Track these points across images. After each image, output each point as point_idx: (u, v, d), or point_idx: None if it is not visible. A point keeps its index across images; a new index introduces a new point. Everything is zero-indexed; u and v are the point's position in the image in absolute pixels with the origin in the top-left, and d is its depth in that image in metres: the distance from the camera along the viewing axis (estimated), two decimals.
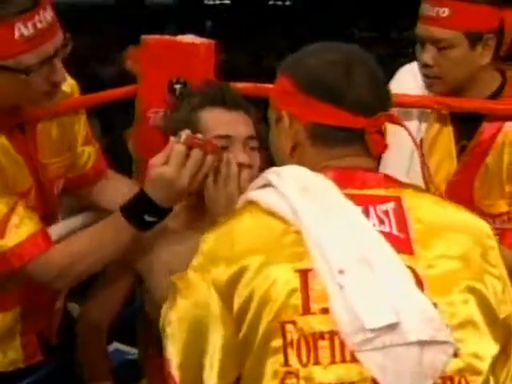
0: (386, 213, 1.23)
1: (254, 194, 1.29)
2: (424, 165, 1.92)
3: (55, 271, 1.72)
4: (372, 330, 1.13)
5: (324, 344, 1.15)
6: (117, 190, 2.02)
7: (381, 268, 1.17)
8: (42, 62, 1.61)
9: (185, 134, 1.65)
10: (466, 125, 2.06)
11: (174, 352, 1.26)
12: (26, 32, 1.58)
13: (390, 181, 1.29)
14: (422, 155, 1.76)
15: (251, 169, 1.70)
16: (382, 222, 1.22)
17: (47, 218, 1.82)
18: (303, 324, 1.16)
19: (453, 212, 1.31)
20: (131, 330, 2.11)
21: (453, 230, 1.26)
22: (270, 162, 1.67)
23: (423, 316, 1.15)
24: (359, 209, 1.22)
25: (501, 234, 1.86)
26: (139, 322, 2.03)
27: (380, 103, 1.29)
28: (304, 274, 1.18)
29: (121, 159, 2.20)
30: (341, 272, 1.15)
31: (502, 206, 2.00)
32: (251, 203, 1.27)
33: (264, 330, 1.17)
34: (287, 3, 11.76)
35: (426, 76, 2.05)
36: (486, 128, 2.03)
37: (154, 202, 1.66)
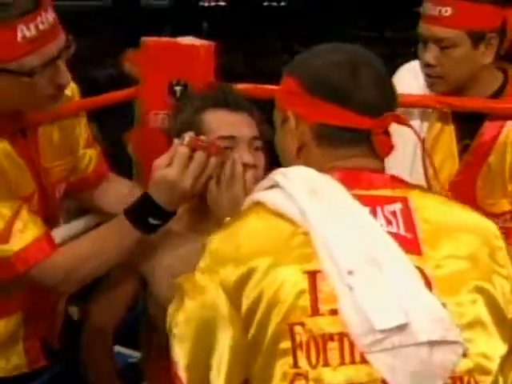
0: (394, 213, 1.23)
1: (260, 195, 1.29)
2: (429, 164, 1.91)
3: (60, 275, 1.71)
4: (382, 331, 1.13)
5: (333, 345, 1.15)
6: (118, 192, 2.01)
7: (389, 268, 1.16)
8: (46, 64, 1.60)
9: (188, 136, 1.65)
10: (468, 124, 2.06)
11: (181, 353, 1.25)
12: (28, 34, 1.56)
13: (396, 181, 1.29)
14: (428, 155, 1.75)
15: (256, 169, 1.70)
16: (389, 222, 1.22)
17: (49, 222, 1.81)
18: (312, 325, 1.16)
19: (460, 212, 1.31)
20: (133, 333, 2.10)
21: (460, 230, 1.26)
22: (272, 162, 1.67)
23: (433, 316, 1.15)
24: (367, 209, 1.22)
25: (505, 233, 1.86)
26: (142, 325, 2.02)
27: (386, 104, 1.29)
28: (312, 275, 1.17)
29: (120, 162, 2.20)
30: (350, 273, 1.15)
31: (504, 205, 2.00)
32: (258, 204, 1.27)
33: (273, 332, 1.16)
34: (282, 4, 11.78)
35: (428, 75, 2.05)
36: (488, 127, 2.03)
37: (157, 204, 1.66)
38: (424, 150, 1.35)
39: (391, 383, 1.14)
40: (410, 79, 2.09)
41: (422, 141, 1.39)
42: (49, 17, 1.61)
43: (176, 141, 1.66)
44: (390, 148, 1.29)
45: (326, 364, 1.15)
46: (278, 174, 1.27)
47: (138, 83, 2.19)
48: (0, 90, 1.61)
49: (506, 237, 1.89)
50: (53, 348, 1.96)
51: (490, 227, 1.30)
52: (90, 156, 1.98)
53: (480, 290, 1.21)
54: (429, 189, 1.80)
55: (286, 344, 1.16)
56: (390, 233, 1.21)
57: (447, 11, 1.98)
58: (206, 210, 1.72)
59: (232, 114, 1.74)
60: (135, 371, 2.11)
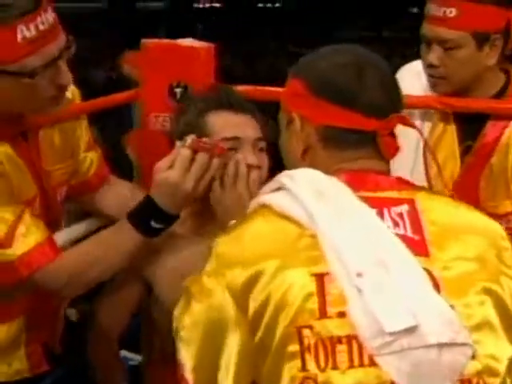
0: (401, 215, 1.23)
1: (266, 197, 1.28)
2: (434, 162, 1.90)
3: (64, 279, 1.71)
4: (391, 334, 1.12)
5: (342, 348, 1.15)
6: (119, 195, 2.01)
7: (397, 270, 1.16)
8: (47, 65, 1.59)
9: (190, 138, 1.64)
10: (470, 125, 2.05)
11: (188, 355, 1.25)
12: (28, 34, 1.55)
13: (402, 183, 1.29)
14: (432, 153, 1.75)
15: (260, 170, 1.69)
16: (396, 224, 1.22)
17: (51, 226, 1.80)
18: (320, 328, 1.15)
19: (466, 213, 1.30)
20: (133, 337, 2.10)
21: (467, 232, 1.25)
22: (274, 164, 1.67)
23: (442, 318, 1.15)
24: (374, 211, 1.22)
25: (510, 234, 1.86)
26: (143, 328, 2.02)
27: (392, 105, 1.28)
28: (320, 277, 1.17)
29: (121, 164, 2.19)
30: (359, 275, 1.14)
31: (507, 206, 2.00)
32: (264, 207, 1.26)
33: (281, 335, 1.16)
34: (277, 5, 11.77)
35: (431, 76, 2.04)
36: (491, 128, 2.03)
37: (159, 207, 1.65)
38: (428, 149, 1.34)
39: None
40: (411, 79, 2.08)
41: (425, 142, 1.38)
42: (49, 17, 1.59)
43: (178, 143, 1.66)
44: (396, 150, 1.29)
45: (335, 367, 1.15)
46: (285, 177, 1.27)
47: (135, 85, 2.19)
48: (1, 92, 1.60)
49: (511, 238, 1.90)
50: (54, 352, 1.96)
51: (497, 228, 1.30)
52: (91, 159, 1.98)
53: (488, 292, 1.21)
54: (430, 188, 1.80)
55: (294, 347, 1.15)
56: (398, 235, 1.20)
57: (452, 12, 1.97)
58: (210, 213, 1.72)
59: (235, 115, 1.73)
60: (136, 374, 2.11)
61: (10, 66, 1.57)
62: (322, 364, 1.15)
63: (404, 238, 1.20)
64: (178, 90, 2.13)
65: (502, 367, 1.19)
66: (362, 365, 1.14)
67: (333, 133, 1.28)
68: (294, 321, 1.15)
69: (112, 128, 2.73)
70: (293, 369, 1.15)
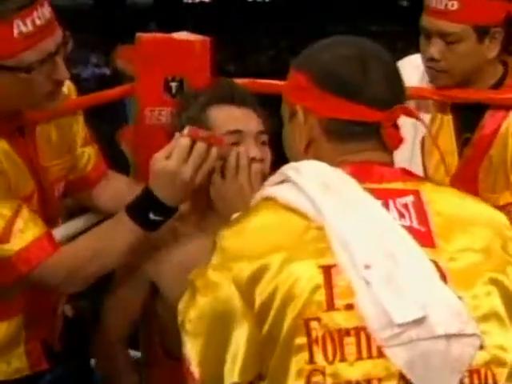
0: (406, 206, 1.22)
1: (271, 190, 1.27)
2: (436, 149, 1.90)
3: (62, 275, 1.69)
4: (400, 325, 1.12)
5: (350, 340, 1.14)
6: (117, 189, 1.99)
7: (405, 262, 1.16)
8: (43, 60, 1.58)
9: (188, 128, 1.62)
10: (468, 118, 2.06)
11: (193, 349, 1.24)
12: (24, 29, 1.54)
13: (407, 174, 1.28)
14: (433, 139, 1.75)
15: (263, 163, 1.68)
16: (402, 215, 1.21)
17: (49, 222, 1.78)
18: (328, 320, 1.15)
19: (471, 204, 1.30)
20: (132, 333, 2.09)
21: (473, 223, 1.25)
22: (277, 157, 1.66)
23: (450, 310, 1.15)
24: (379, 203, 1.21)
25: None
26: (142, 324, 2.01)
27: (395, 97, 1.28)
28: (327, 269, 1.16)
29: (118, 160, 2.18)
30: (366, 267, 1.14)
31: (507, 197, 2.00)
32: (268, 199, 1.26)
33: (288, 327, 1.15)
34: (267, 0, 11.72)
35: (431, 69, 2.04)
36: (489, 120, 2.03)
37: (157, 198, 1.63)
38: (432, 138, 1.33)
39: (409, 377, 1.13)
40: (411, 72, 2.08)
41: (429, 130, 1.38)
42: (45, 12, 1.58)
43: (177, 135, 1.64)
44: (400, 141, 1.28)
45: (343, 359, 1.14)
46: (290, 169, 1.26)
47: (127, 80, 2.17)
48: None
49: None
50: (54, 350, 1.94)
51: (501, 219, 1.30)
52: (88, 154, 1.96)
53: (495, 282, 1.21)
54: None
55: (301, 339, 1.15)
56: (404, 226, 1.20)
57: (454, 5, 1.97)
58: (212, 209, 1.71)
59: (237, 108, 1.72)
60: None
61: (6, 61, 1.56)
62: (330, 356, 1.14)
63: (410, 230, 1.20)
64: (173, 84, 2.12)
65: (509, 357, 1.19)
66: (370, 356, 1.14)
67: (336, 125, 1.27)
68: (301, 313, 1.15)
69: (107, 124, 2.72)
70: (300, 361, 1.15)
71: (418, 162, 2.07)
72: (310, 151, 1.30)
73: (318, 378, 1.14)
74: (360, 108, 1.25)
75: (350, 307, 1.15)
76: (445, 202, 1.26)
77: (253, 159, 1.66)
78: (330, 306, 1.15)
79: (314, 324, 1.15)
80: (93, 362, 2.05)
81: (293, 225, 1.20)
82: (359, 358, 1.14)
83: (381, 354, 1.14)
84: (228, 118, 1.70)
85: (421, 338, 1.13)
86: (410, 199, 1.23)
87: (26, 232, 1.65)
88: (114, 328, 1.88)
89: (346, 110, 1.25)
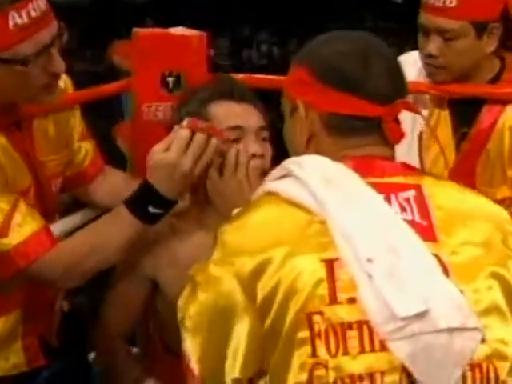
0: (408, 200, 1.23)
1: (273, 184, 1.27)
2: (435, 142, 1.91)
3: (60, 270, 1.68)
4: (403, 319, 1.12)
5: (352, 334, 1.14)
6: (114, 185, 1.99)
7: (407, 256, 1.16)
8: (39, 52, 1.57)
9: (187, 119, 1.62)
10: (466, 112, 2.06)
11: (193, 345, 1.24)
12: (20, 21, 1.53)
13: (408, 169, 1.29)
14: (432, 131, 1.76)
15: (263, 159, 1.68)
16: (404, 209, 1.21)
17: (45, 217, 1.77)
18: (331, 314, 1.15)
19: (471, 198, 1.31)
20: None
21: (473, 217, 1.26)
22: (277, 153, 1.66)
23: (452, 303, 1.15)
24: (381, 197, 1.21)
25: None
26: (140, 321, 2.00)
27: (397, 92, 1.28)
28: (330, 263, 1.16)
29: (113, 156, 2.18)
30: (369, 261, 1.14)
31: (505, 191, 2.01)
32: (270, 194, 1.25)
33: (291, 321, 1.15)
34: None
35: (430, 66, 2.05)
36: (486, 114, 2.04)
37: (157, 191, 1.61)
38: (432, 132, 1.34)
39: (412, 371, 1.14)
40: (407, 68, 2.08)
41: (428, 123, 1.38)
42: (41, 4, 1.57)
43: (176, 127, 1.63)
44: (401, 135, 1.28)
45: (346, 353, 1.14)
46: (292, 163, 1.26)
47: (123, 76, 2.17)
48: None
49: None
50: (51, 345, 1.94)
51: (501, 213, 1.31)
52: (85, 150, 1.96)
53: (496, 276, 1.21)
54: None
55: (304, 333, 1.15)
56: (406, 220, 1.20)
57: (452, 2, 1.97)
58: (211, 205, 1.70)
59: (238, 104, 1.71)
60: None
61: (2, 54, 1.55)
62: (333, 350, 1.14)
63: (412, 224, 1.20)
64: (170, 79, 2.12)
65: (511, 351, 1.19)
66: (373, 350, 1.14)
67: (337, 120, 1.27)
68: (304, 307, 1.15)
69: (103, 119, 2.71)
70: (303, 355, 1.15)
71: (414, 156, 2.07)
72: (311, 146, 1.30)
73: (320, 371, 1.14)
74: (361, 103, 1.25)
75: (352, 301, 1.15)
76: (445, 196, 1.26)
77: (253, 155, 1.66)
78: (333, 299, 1.15)
79: (316, 318, 1.15)
80: (90, 357, 2.05)
81: (295, 219, 1.20)
82: (362, 351, 1.14)
83: (383, 348, 1.14)
84: (228, 113, 1.70)
85: (423, 332, 1.13)
86: (411, 193, 1.24)
87: (24, 226, 1.65)
88: (114, 323, 1.87)
89: (347, 104, 1.25)
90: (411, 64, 2.11)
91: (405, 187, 1.24)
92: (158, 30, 2.16)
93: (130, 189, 1.71)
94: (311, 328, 1.15)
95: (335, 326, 1.15)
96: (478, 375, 1.17)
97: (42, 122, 1.82)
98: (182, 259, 1.71)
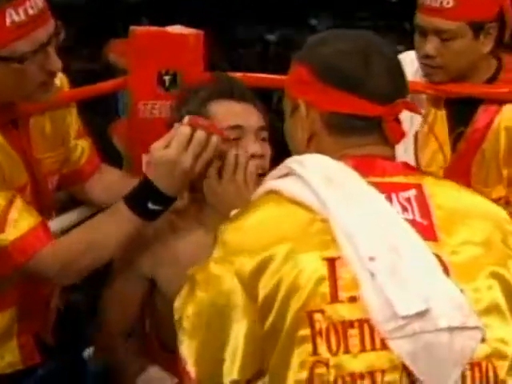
0: (409, 200, 1.23)
1: (275, 183, 1.27)
2: (435, 139, 1.92)
3: (57, 267, 1.67)
4: (404, 318, 1.13)
5: (353, 332, 1.15)
6: (110, 183, 1.99)
7: (409, 255, 1.16)
8: (36, 50, 1.56)
9: (188, 117, 1.61)
10: (462, 112, 2.07)
11: (190, 348, 1.23)
12: (17, 18, 1.53)
13: (408, 168, 1.29)
14: (430, 129, 1.77)
15: (263, 159, 1.68)
16: (405, 209, 1.22)
17: (42, 214, 1.77)
18: (332, 312, 1.15)
19: (471, 198, 1.31)
20: None
21: (474, 216, 1.26)
22: (277, 153, 1.66)
23: (453, 303, 1.15)
24: (382, 196, 1.22)
25: None
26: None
27: (397, 91, 1.28)
28: (331, 262, 1.17)
29: (109, 154, 2.18)
30: (371, 259, 1.14)
31: (500, 191, 2.02)
32: (272, 192, 1.26)
33: (292, 319, 1.15)
34: None
35: (427, 66, 2.05)
36: (482, 114, 2.05)
37: (156, 187, 1.60)
38: (431, 130, 1.34)
39: (412, 369, 1.14)
40: (405, 67, 2.09)
41: (426, 121, 1.39)
42: (38, 2, 1.57)
43: (176, 125, 1.62)
44: (402, 135, 1.29)
45: (347, 351, 1.15)
46: (294, 162, 1.26)
47: (118, 73, 2.17)
48: None
49: None
50: (46, 343, 1.93)
51: (501, 212, 1.31)
52: (82, 147, 1.95)
53: (496, 276, 1.22)
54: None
55: (305, 331, 1.15)
56: (407, 219, 1.21)
57: (449, 3, 1.98)
58: (210, 204, 1.70)
59: (238, 103, 1.71)
60: None
61: None
62: (334, 348, 1.15)
63: (413, 223, 1.20)
64: (166, 78, 2.12)
65: (510, 350, 1.20)
66: (373, 348, 1.14)
67: (337, 119, 1.27)
68: (305, 305, 1.15)
69: (99, 117, 2.71)
70: (303, 353, 1.15)
71: (410, 155, 2.08)
72: (312, 145, 1.30)
73: (321, 369, 1.15)
74: (361, 102, 1.25)
75: (353, 299, 1.15)
76: (445, 196, 1.27)
77: (253, 155, 1.65)
78: (334, 298, 1.16)
79: (317, 316, 1.15)
80: (86, 354, 2.05)
81: (298, 217, 1.20)
82: (363, 349, 1.15)
83: (384, 346, 1.14)
84: (228, 112, 1.69)
85: (424, 331, 1.14)
86: (412, 193, 1.24)
87: (20, 222, 1.64)
88: (112, 322, 1.87)
89: (348, 103, 1.25)
90: (407, 64, 2.11)
91: (406, 187, 1.24)
92: (154, 29, 2.17)
93: (127, 186, 1.70)
94: (312, 326, 1.15)
95: (336, 324, 1.15)
96: (477, 374, 1.18)
97: (39, 120, 1.82)
98: (181, 258, 1.71)
